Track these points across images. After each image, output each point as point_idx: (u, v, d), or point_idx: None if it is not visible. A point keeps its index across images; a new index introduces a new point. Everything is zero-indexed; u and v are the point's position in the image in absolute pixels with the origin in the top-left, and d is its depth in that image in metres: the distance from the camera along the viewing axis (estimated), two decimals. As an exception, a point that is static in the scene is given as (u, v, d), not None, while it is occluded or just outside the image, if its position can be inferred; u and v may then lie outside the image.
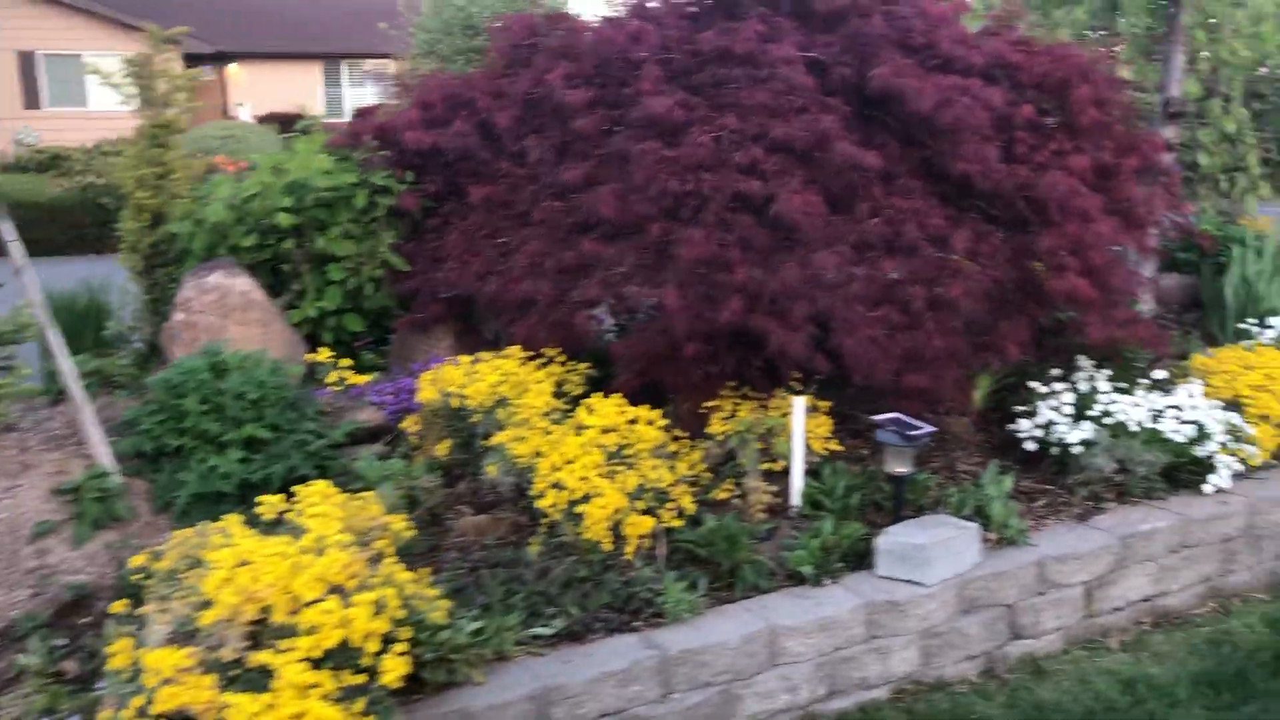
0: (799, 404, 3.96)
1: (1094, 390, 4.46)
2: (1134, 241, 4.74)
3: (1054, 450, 4.35)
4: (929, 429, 3.74)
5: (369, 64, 22.99)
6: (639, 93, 4.45)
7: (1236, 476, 4.34)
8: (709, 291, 4.01)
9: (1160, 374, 4.61)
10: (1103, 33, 6.06)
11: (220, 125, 17.58)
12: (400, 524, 3.26)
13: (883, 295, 4.13)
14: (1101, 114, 4.85)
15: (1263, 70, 6.48)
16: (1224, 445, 4.29)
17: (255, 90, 23.92)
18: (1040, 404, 4.51)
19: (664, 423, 3.93)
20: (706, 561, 3.59)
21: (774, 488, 4.02)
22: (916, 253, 4.20)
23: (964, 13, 4.98)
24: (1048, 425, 4.41)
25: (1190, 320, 6.49)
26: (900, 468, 3.76)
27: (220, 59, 23.37)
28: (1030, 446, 4.45)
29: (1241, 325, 5.54)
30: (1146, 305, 6.60)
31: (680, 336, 4.00)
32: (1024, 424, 4.49)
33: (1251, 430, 4.37)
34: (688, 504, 3.72)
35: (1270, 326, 5.36)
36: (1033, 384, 4.64)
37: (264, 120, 20.92)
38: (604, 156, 4.51)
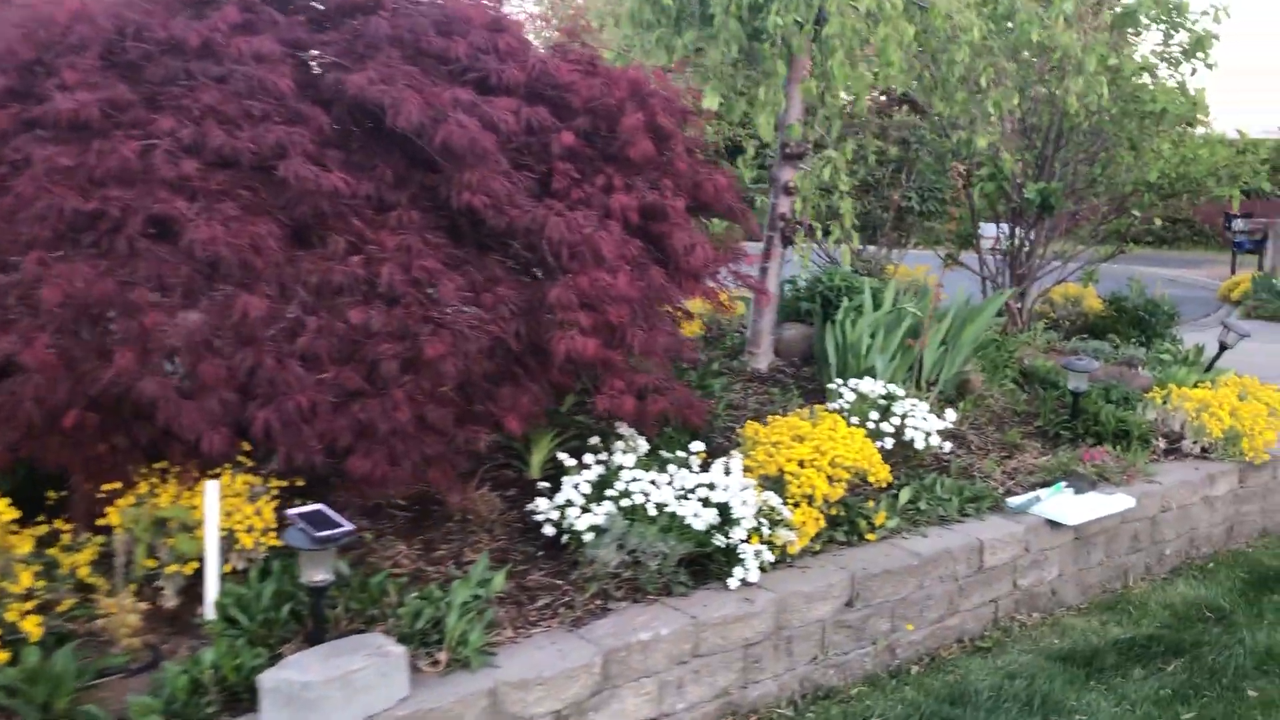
0: (211, 489, 3.10)
1: (620, 466, 3.84)
2: (682, 293, 4.19)
3: (565, 538, 3.69)
4: (346, 527, 2.96)
5: None
6: (62, 85, 3.51)
7: (773, 565, 3.81)
8: (101, 343, 3.11)
9: (697, 445, 4.04)
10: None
11: None
12: None
13: (345, 352, 3.35)
14: (659, 147, 4.29)
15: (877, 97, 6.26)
16: (756, 531, 3.75)
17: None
18: (566, 479, 3.85)
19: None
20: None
21: (178, 598, 3.15)
22: (400, 301, 3.45)
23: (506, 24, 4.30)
24: (565, 506, 3.74)
25: (808, 375, 6.10)
26: (318, 575, 2.95)
27: None
28: (549, 531, 3.77)
29: (831, 386, 5.12)
30: (765, 359, 6.17)
31: (59, 402, 3.08)
32: (543, 503, 3.81)
33: (789, 514, 3.85)
34: (29, 627, 2.79)
35: (853, 390, 4.95)
36: (562, 455, 3.99)
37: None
38: (15, 163, 3.53)
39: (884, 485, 4.32)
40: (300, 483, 3.57)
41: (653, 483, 3.76)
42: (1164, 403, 5.69)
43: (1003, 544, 4.36)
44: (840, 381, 5.04)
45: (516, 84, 4.05)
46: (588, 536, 3.61)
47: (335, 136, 3.72)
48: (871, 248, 8.14)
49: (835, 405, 4.89)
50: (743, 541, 3.67)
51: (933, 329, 5.89)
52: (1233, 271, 21.90)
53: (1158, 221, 7.75)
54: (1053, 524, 4.54)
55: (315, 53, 3.87)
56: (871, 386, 4.91)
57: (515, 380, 3.68)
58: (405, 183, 3.75)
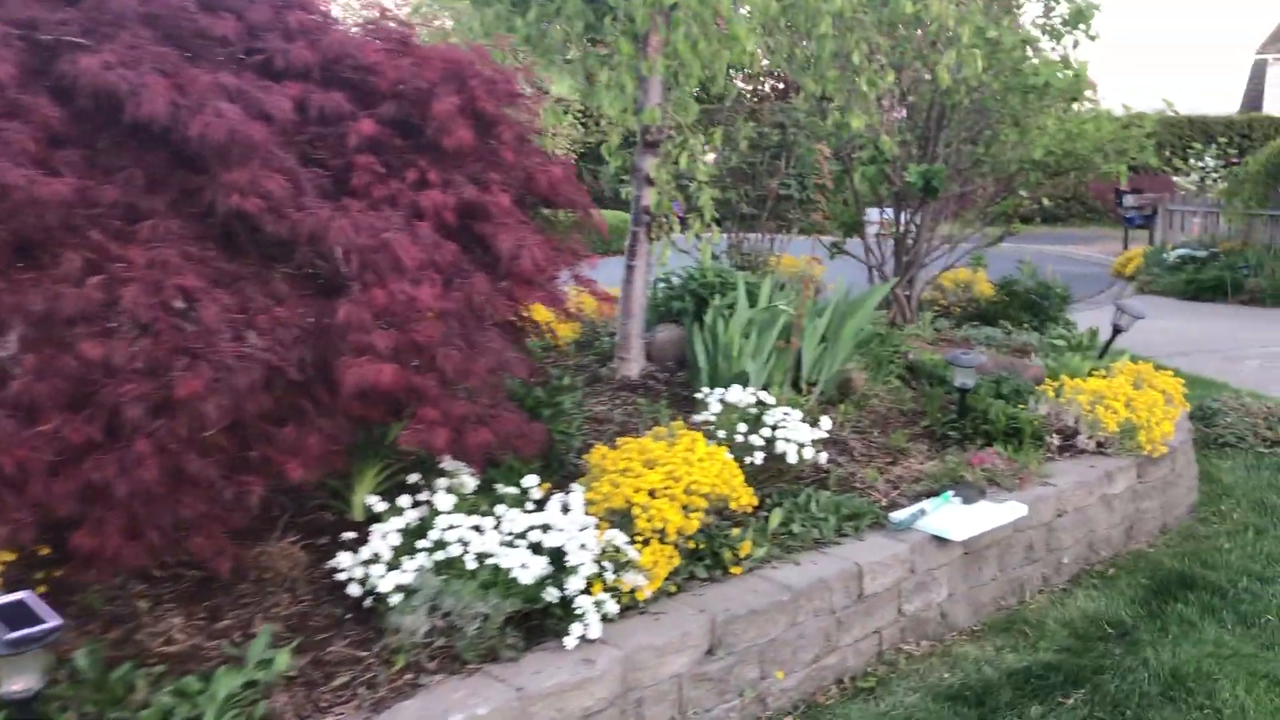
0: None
1: (438, 510, 3.29)
2: (514, 303, 3.66)
3: (371, 600, 3.13)
4: (51, 624, 2.36)
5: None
6: None
7: (621, 614, 3.30)
8: None
9: (531, 479, 3.52)
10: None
11: None
12: None
13: (77, 396, 2.74)
14: (483, 136, 3.76)
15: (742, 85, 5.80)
16: (597, 578, 3.23)
17: None
18: (376, 528, 3.30)
19: None
20: None
21: None
22: (150, 329, 2.85)
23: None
24: (372, 561, 3.19)
25: (682, 381, 5.61)
26: (19, 684, 2.35)
27: None
28: (355, 591, 3.21)
29: (699, 395, 4.63)
30: (636, 365, 5.67)
31: None
32: (345, 558, 3.25)
33: (636, 554, 3.34)
34: None
35: (720, 401, 4.47)
36: (372, 499, 3.43)
37: None
38: None
39: (751, 509, 3.85)
40: (44, 551, 2.96)
41: (476, 528, 3.22)
42: (1057, 395, 5.34)
43: (884, 567, 3.92)
44: (708, 390, 4.56)
45: (307, 66, 3.48)
46: (395, 598, 3.06)
47: (75, 133, 3.10)
48: (755, 236, 7.69)
49: (702, 417, 4.41)
50: (581, 592, 3.15)
51: (810, 325, 5.45)
52: (1125, 247, 22.13)
53: (1046, 201, 7.45)
54: (940, 540, 4.12)
55: (43, 33, 3.24)
56: (739, 395, 4.43)
57: (302, 417, 3.10)
58: (161, 186, 3.14)
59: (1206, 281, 15.68)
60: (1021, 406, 5.40)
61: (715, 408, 4.38)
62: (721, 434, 4.27)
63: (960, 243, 7.81)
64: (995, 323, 8.10)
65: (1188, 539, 5.21)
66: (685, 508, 3.52)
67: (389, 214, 3.34)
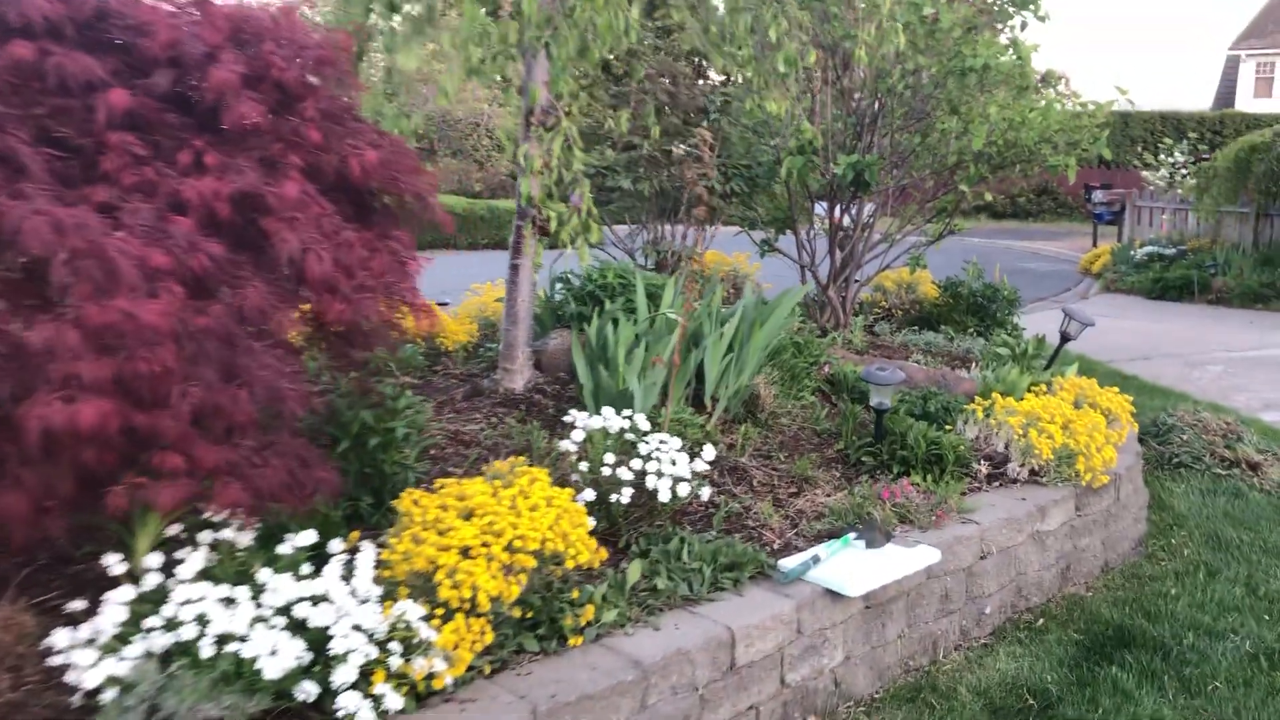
0: None
1: (181, 577, 2.64)
2: (297, 320, 3.01)
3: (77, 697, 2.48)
4: None
5: None
6: None
7: (420, 703, 2.67)
8: None
9: (307, 536, 2.86)
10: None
11: None
12: None
13: None
14: (283, 111, 3.11)
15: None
16: (379, 665, 2.59)
17: None
18: (108, 597, 2.65)
19: None
20: None
21: None
22: None
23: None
24: (89, 643, 2.53)
25: (572, 396, 4.98)
26: None
27: None
28: (73, 680, 2.56)
29: (566, 418, 4.00)
30: (521, 376, 5.03)
31: None
32: (62, 636, 2.59)
33: (434, 633, 2.70)
34: None
35: (584, 429, 3.83)
36: (109, 559, 2.78)
37: None
38: None
39: (598, 564, 3.21)
40: None
41: (227, 600, 2.58)
42: (987, 416, 4.74)
43: (764, 631, 3.29)
44: (578, 413, 3.92)
45: (51, 21, 2.81)
46: (108, 694, 2.41)
47: None
48: (679, 228, 7.03)
49: (565, 446, 3.78)
50: (351, 686, 2.51)
51: (714, 335, 4.82)
52: (1094, 244, 21.67)
53: (988, 196, 6.85)
54: (835, 594, 3.50)
55: None
56: (609, 420, 3.80)
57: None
58: None
59: (1173, 280, 15.20)
60: (949, 428, 4.80)
61: (579, 435, 3.74)
62: (585, 466, 3.65)
63: (899, 241, 7.19)
64: (939, 326, 7.51)
65: (1131, 580, 4.62)
66: (508, 569, 2.88)
67: (137, 207, 2.69)
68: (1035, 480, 4.55)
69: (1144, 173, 20.65)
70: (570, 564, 3.04)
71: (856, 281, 7.48)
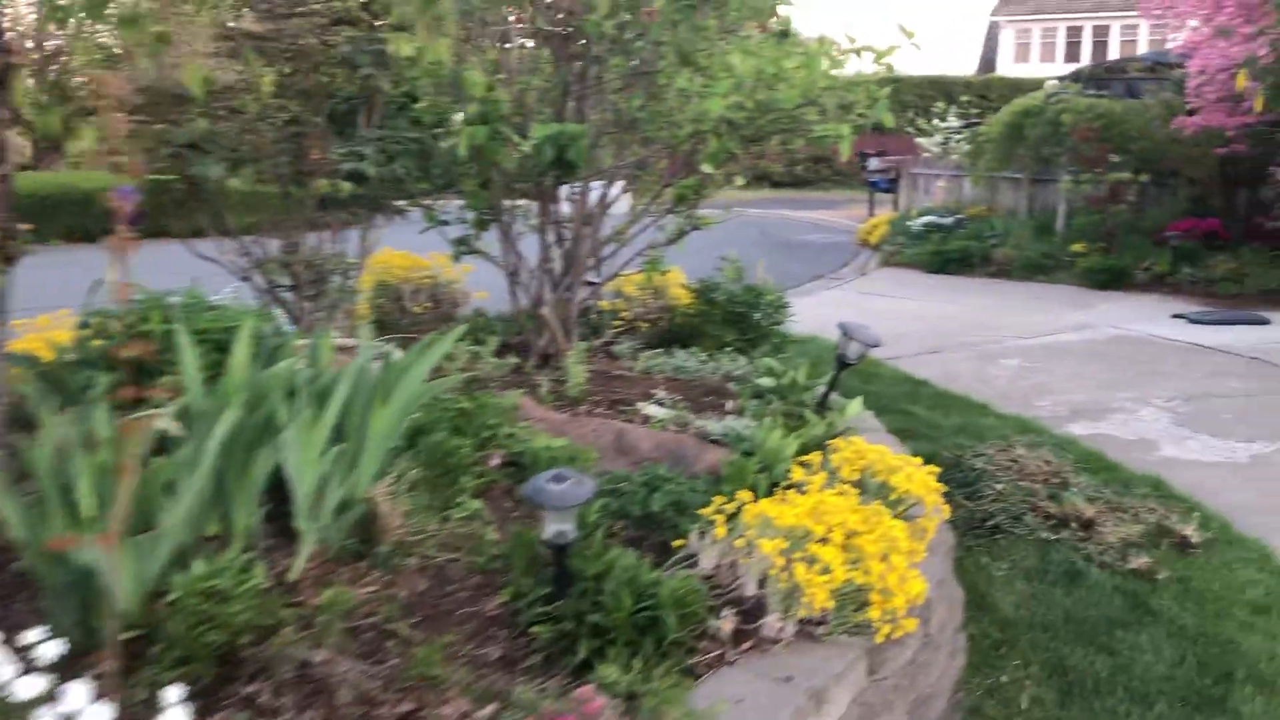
0: None
1: None
2: None
3: None
4: None
5: None
6: None
7: None
8: None
9: None
10: None
11: None
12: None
13: None
14: None
15: None
16: None
17: None
18: None
19: None
20: None
21: None
22: None
23: None
24: None
25: None
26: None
27: None
28: None
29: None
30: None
31: None
32: None
33: None
34: None
35: None
36: None
37: None
38: None
39: None
40: None
41: None
42: (730, 532, 3.06)
43: None
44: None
45: None
46: None
47: None
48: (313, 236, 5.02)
49: None
50: None
51: (301, 422, 2.94)
52: (870, 213, 20.95)
53: (739, 180, 5.26)
54: None
55: None
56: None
57: None
58: None
59: (953, 253, 14.37)
60: (679, 544, 3.11)
61: None
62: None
63: (636, 238, 5.47)
64: (693, 342, 5.87)
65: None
66: None
67: None
68: (807, 633, 2.90)
69: (919, 139, 19.95)
70: None
71: (591, 284, 5.74)
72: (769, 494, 3.44)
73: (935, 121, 19.90)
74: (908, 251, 15.15)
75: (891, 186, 21.34)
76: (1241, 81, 9.33)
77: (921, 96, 30.69)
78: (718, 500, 3.12)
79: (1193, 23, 12.20)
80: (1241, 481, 5.47)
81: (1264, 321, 10.02)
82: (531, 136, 4.32)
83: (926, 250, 14.66)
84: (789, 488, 3.41)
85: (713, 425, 4.30)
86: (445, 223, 5.56)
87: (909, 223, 16.23)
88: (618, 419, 4.36)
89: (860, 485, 3.45)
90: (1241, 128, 11.74)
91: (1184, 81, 12.63)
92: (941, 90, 30.82)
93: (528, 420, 3.98)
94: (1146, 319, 10.41)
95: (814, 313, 11.18)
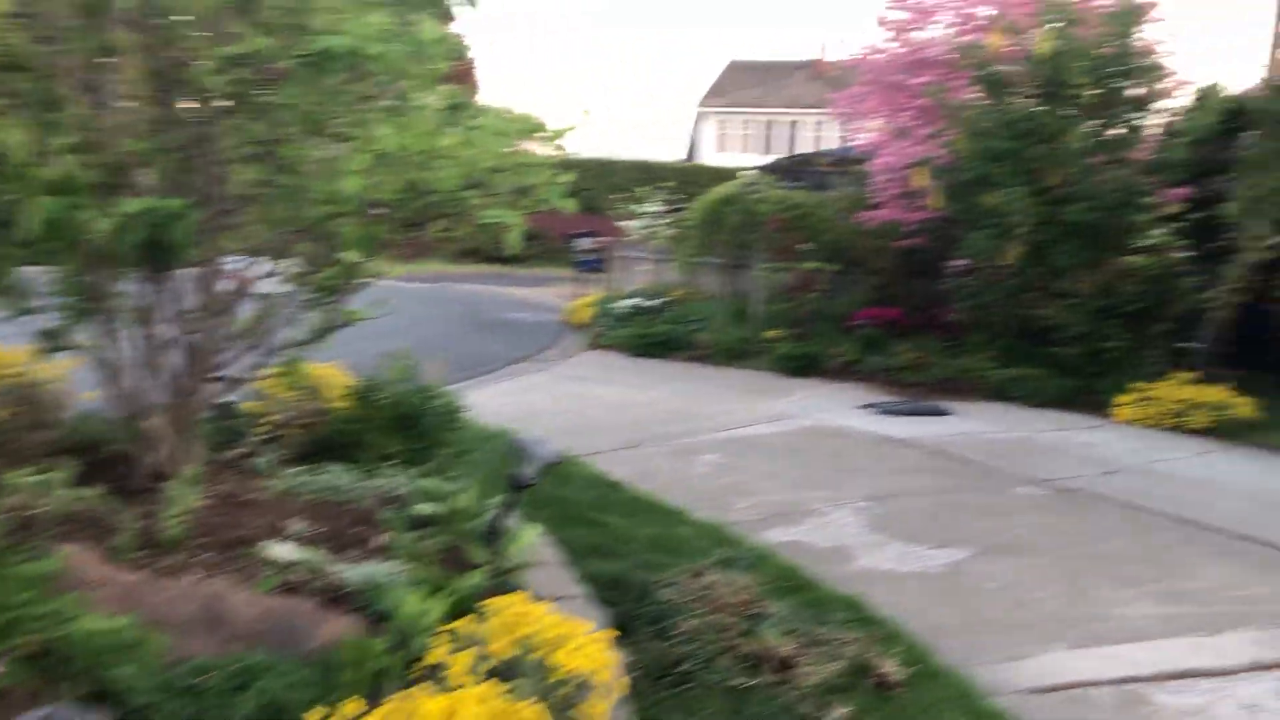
0: None
1: None
2: None
3: None
4: None
5: None
6: None
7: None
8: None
9: None
10: None
11: None
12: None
13: None
14: None
15: None
16: None
17: None
18: None
19: None
20: None
21: None
22: None
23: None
24: None
25: None
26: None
27: None
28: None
29: None
30: None
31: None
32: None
33: None
34: None
35: None
36: None
37: None
38: None
39: None
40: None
41: None
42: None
43: None
44: None
45: None
46: None
47: None
48: None
49: None
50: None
51: None
52: (579, 294, 20.75)
53: (390, 271, 4.55)
54: None
55: None
56: None
57: None
58: None
59: (657, 336, 14.25)
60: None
61: None
62: None
63: (275, 333, 4.59)
64: (353, 452, 5.03)
65: None
66: None
67: None
68: None
69: (620, 223, 20.04)
70: None
71: (228, 380, 4.77)
72: (403, 678, 2.69)
73: (634, 207, 20.06)
74: (614, 334, 14.92)
75: (601, 267, 21.29)
76: (921, 179, 9.66)
77: (632, 180, 31.31)
78: (315, 715, 2.32)
79: (876, 122, 12.77)
80: (939, 595, 5.25)
81: (945, 413, 10.33)
82: (113, 213, 3.40)
83: (632, 333, 14.48)
84: (427, 672, 2.67)
85: (350, 573, 3.49)
86: (31, 311, 4.46)
87: (616, 304, 16.05)
88: (225, 571, 3.45)
89: (515, 666, 2.75)
90: (920, 222, 12.33)
91: (867, 177, 13.20)
92: (650, 175, 31.55)
93: (86, 585, 3.01)
94: (839, 407, 10.50)
95: (512, 400, 10.58)
